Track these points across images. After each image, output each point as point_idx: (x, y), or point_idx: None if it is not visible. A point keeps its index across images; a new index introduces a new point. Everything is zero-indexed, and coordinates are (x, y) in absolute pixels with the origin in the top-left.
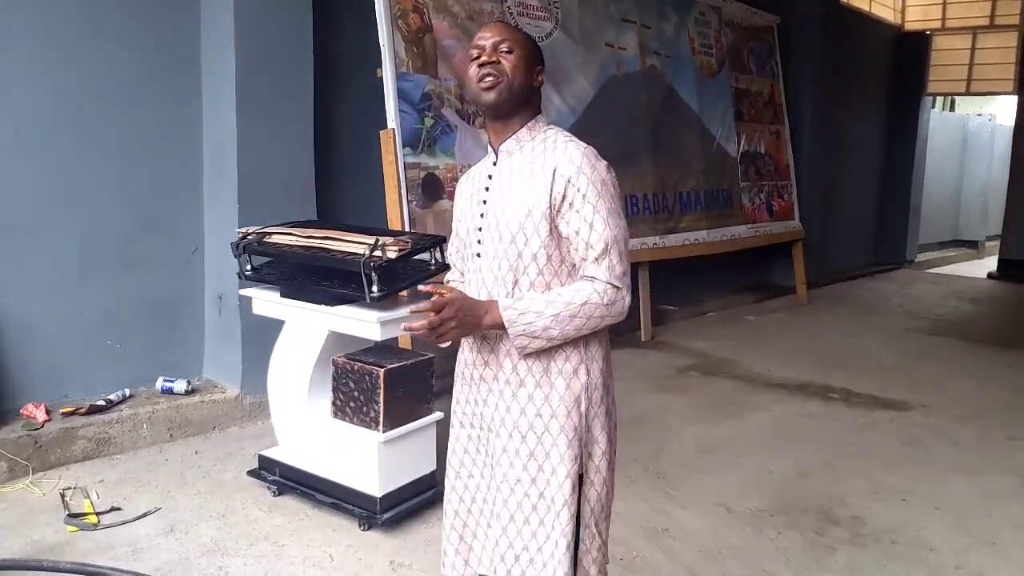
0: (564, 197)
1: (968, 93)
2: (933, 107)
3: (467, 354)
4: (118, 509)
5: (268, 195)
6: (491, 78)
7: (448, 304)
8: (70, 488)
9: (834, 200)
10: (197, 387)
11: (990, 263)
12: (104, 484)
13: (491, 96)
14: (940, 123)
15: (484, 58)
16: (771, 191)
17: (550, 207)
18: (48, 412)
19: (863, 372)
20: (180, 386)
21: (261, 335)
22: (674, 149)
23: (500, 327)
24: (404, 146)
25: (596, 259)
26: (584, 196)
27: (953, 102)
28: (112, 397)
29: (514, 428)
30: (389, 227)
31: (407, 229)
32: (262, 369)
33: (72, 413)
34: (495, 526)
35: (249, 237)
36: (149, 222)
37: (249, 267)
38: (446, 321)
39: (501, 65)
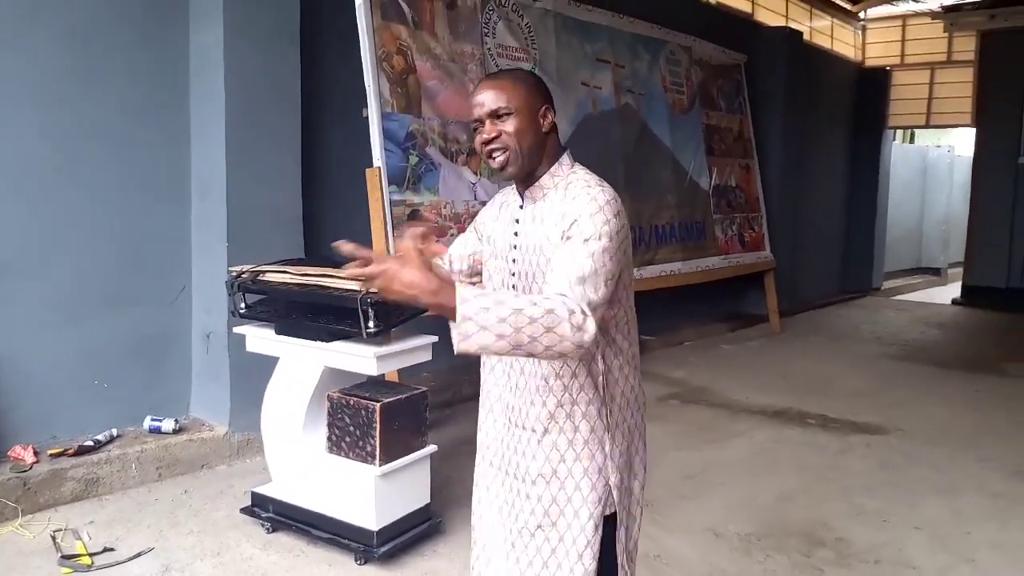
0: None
1: (928, 126)
2: (894, 139)
3: (493, 391)
4: (111, 550)
5: (256, 233)
6: (499, 155)
7: (376, 271)
8: (60, 530)
9: (802, 230)
10: (184, 425)
11: (953, 289)
12: (95, 525)
13: (508, 172)
14: (901, 155)
15: (485, 135)
16: (742, 223)
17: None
18: (36, 453)
19: (838, 398)
20: (168, 425)
21: (248, 372)
22: (649, 184)
23: (449, 309)
24: (390, 184)
25: (571, 285)
26: (581, 231)
27: (913, 134)
28: (100, 437)
29: (538, 475)
30: None
31: None
32: (250, 406)
33: (60, 454)
34: (512, 570)
35: (243, 276)
36: (137, 261)
37: (243, 305)
38: (376, 278)
39: (502, 137)
